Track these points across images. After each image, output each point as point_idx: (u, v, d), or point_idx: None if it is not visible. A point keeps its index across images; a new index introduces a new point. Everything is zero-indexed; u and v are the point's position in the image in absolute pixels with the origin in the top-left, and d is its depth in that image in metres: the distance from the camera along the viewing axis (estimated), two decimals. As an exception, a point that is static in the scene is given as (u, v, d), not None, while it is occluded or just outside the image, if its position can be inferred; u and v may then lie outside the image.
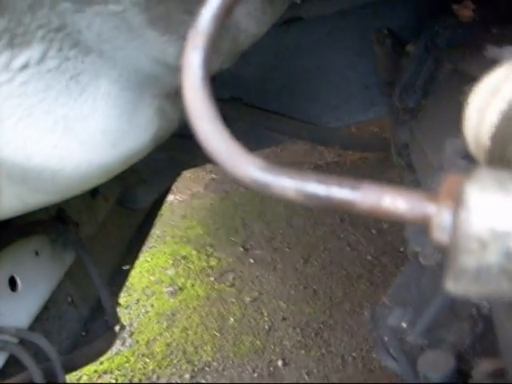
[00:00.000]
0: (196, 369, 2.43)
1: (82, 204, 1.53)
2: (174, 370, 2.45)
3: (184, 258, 3.11)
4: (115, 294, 1.80)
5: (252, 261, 2.95)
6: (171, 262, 3.11)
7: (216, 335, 2.57)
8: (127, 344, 2.63)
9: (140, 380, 2.44)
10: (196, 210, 3.47)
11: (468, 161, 0.60)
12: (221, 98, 1.79)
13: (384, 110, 1.84)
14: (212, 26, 0.38)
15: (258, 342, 2.48)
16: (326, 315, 2.52)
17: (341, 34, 1.77)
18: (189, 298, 2.82)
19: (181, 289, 2.89)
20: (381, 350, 1.08)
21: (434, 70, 1.44)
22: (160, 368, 2.47)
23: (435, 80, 1.43)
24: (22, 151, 0.60)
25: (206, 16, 0.38)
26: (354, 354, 2.32)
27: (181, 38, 0.62)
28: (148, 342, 2.62)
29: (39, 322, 1.30)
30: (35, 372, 1.05)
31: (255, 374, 2.34)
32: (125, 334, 2.67)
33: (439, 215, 0.29)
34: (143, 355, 2.55)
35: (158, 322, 2.72)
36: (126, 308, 2.84)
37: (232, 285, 2.83)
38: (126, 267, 1.89)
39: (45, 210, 1.34)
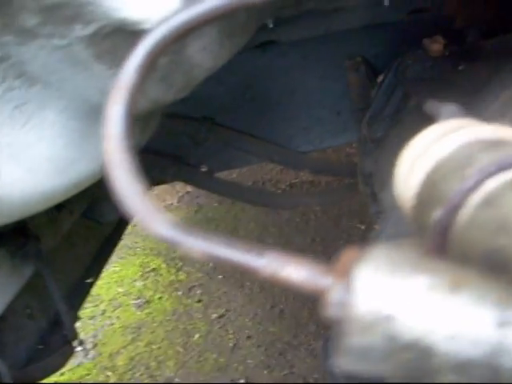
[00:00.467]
0: (158, 384, 2.42)
1: (45, 217, 1.52)
2: (135, 384, 2.43)
3: (153, 270, 3.10)
4: (76, 307, 1.79)
5: (221, 277, 2.94)
6: (140, 273, 3.09)
7: (180, 351, 2.56)
8: (90, 356, 2.60)
9: (100, 394, 2.42)
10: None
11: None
12: (193, 117, 1.79)
13: (355, 136, 1.86)
14: (134, 79, 0.38)
15: (222, 360, 2.47)
16: (291, 335, 2.52)
17: (315, 58, 1.79)
18: (155, 312, 2.80)
19: (148, 302, 2.88)
20: (332, 381, 1.08)
21: (401, 102, 1.45)
22: (121, 382, 2.45)
23: (403, 112, 1.44)
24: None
25: (129, 69, 0.38)
26: (315, 376, 2.32)
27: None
28: (111, 355, 2.59)
29: (-4, 333, 1.29)
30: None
31: (216, 393, 2.33)
32: (88, 346, 2.65)
33: (331, 292, 0.30)
34: (105, 368, 2.53)
35: (123, 334, 2.69)
36: (91, 319, 2.81)
37: (199, 300, 2.82)
38: (89, 280, 1.88)
39: (5, 222, 1.33)
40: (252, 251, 0.32)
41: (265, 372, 2.38)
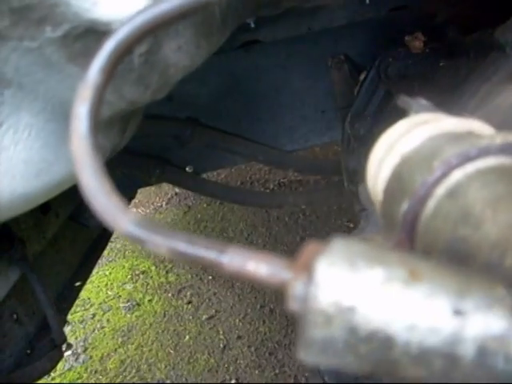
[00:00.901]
0: (149, 387, 2.41)
1: (30, 220, 1.52)
2: (126, 387, 2.43)
3: (143, 272, 3.09)
4: (64, 311, 1.78)
5: (210, 278, 2.94)
6: (130, 276, 3.08)
7: (171, 352, 2.55)
8: (80, 360, 2.59)
9: (91, 397, 2.42)
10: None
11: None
12: (177, 118, 1.79)
13: (340, 135, 1.86)
14: (100, 78, 0.38)
15: (213, 361, 2.47)
16: (281, 335, 2.52)
17: (299, 57, 1.79)
18: (145, 314, 2.80)
19: (138, 304, 2.87)
20: (316, 378, 1.08)
21: (384, 100, 1.46)
22: (112, 385, 2.44)
23: (385, 109, 1.45)
24: None
25: (94, 69, 0.38)
26: (306, 375, 2.32)
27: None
28: (102, 358, 2.59)
29: (-18, 339, 1.28)
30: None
31: (208, 394, 2.33)
32: (78, 350, 2.64)
33: (293, 285, 0.30)
34: (96, 371, 2.52)
35: (113, 337, 2.69)
36: (81, 323, 2.80)
37: (189, 302, 2.82)
38: (77, 283, 1.88)
39: (-12, 227, 1.33)
40: (215, 247, 0.33)
41: (256, 372, 2.38)
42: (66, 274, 1.83)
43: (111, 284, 3.05)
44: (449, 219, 0.35)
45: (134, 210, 3.58)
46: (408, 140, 0.45)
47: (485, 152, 0.38)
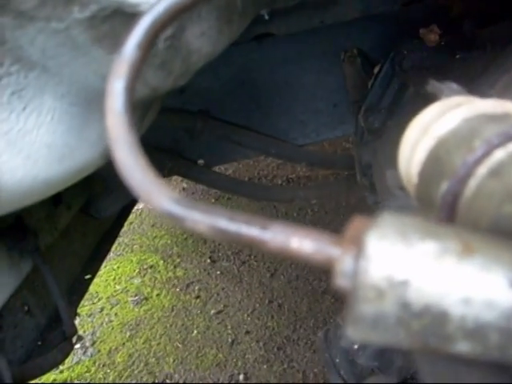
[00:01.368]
0: (157, 380, 2.41)
1: (42, 212, 1.52)
2: (134, 380, 2.42)
3: (151, 267, 3.09)
4: (75, 303, 1.78)
5: (219, 272, 2.93)
6: (138, 270, 3.08)
7: (179, 347, 2.55)
8: (88, 353, 2.59)
9: (99, 391, 2.42)
10: (165, 218, 3.44)
11: (405, 192, 0.61)
12: (189, 111, 1.79)
13: (352, 129, 1.85)
14: (136, 54, 0.38)
15: (221, 355, 2.47)
16: (290, 330, 2.51)
17: (311, 51, 1.78)
18: (154, 308, 2.80)
19: (146, 299, 2.87)
20: (332, 372, 1.08)
21: (399, 92, 1.45)
22: (120, 379, 2.44)
23: (400, 102, 1.44)
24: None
25: (131, 44, 0.38)
26: (315, 370, 2.32)
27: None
28: (110, 352, 2.59)
29: (-7, 330, 1.28)
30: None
31: (216, 388, 2.33)
32: (87, 343, 2.64)
33: (341, 261, 0.29)
34: (104, 365, 2.52)
35: (121, 331, 2.69)
36: (90, 316, 2.80)
37: (197, 296, 2.81)
38: (88, 276, 1.87)
39: (2, 218, 1.33)
40: (257, 223, 0.32)
41: (264, 367, 2.38)
42: (76, 267, 1.83)
43: (119, 278, 3.05)
44: (493, 198, 0.35)
45: (142, 204, 3.58)
46: (443, 122, 0.44)
47: (526, 132, 0.38)
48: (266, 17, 1.51)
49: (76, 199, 1.72)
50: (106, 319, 2.78)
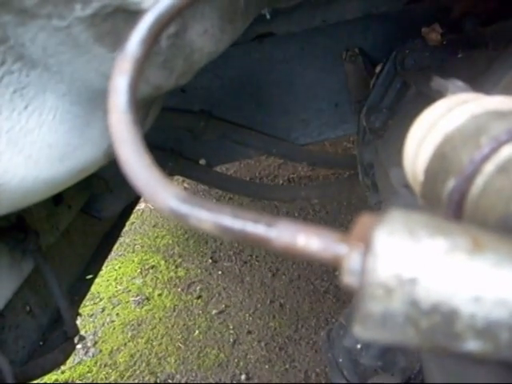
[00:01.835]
0: (159, 380, 2.41)
1: (44, 212, 1.51)
2: (136, 381, 2.42)
3: (152, 267, 3.09)
4: (76, 303, 1.78)
5: (220, 272, 2.93)
6: (139, 270, 3.08)
7: (180, 347, 2.55)
8: (90, 353, 2.59)
9: (101, 391, 2.41)
10: (167, 219, 3.45)
11: (410, 190, 0.60)
12: (190, 110, 1.78)
13: (354, 128, 1.85)
14: (140, 50, 0.37)
15: (223, 355, 2.47)
16: (292, 330, 2.51)
17: (313, 50, 1.78)
18: (155, 309, 2.79)
19: (147, 299, 2.87)
20: (334, 371, 1.07)
21: (400, 91, 1.45)
22: (122, 379, 2.44)
23: (402, 101, 1.44)
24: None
25: (134, 41, 0.37)
26: (317, 370, 2.31)
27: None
28: (111, 352, 2.58)
29: (-5, 330, 1.28)
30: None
31: (218, 388, 2.33)
32: (88, 344, 2.64)
33: (349, 258, 0.29)
34: (106, 365, 2.52)
35: (123, 331, 2.69)
36: (91, 317, 2.80)
37: (199, 296, 2.81)
38: (89, 276, 1.87)
39: (4, 217, 1.33)
40: (263, 221, 0.32)
41: (266, 367, 2.37)
42: (77, 267, 1.82)
43: (121, 278, 3.04)
44: (501, 195, 0.34)
45: (143, 205, 3.58)
46: (450, 119, 0.44)
47: (534, 128, 0.37)
48: (268, 16, 1.51)
49: (77, 199, 1.72)
50: (108, 319, 2.77)
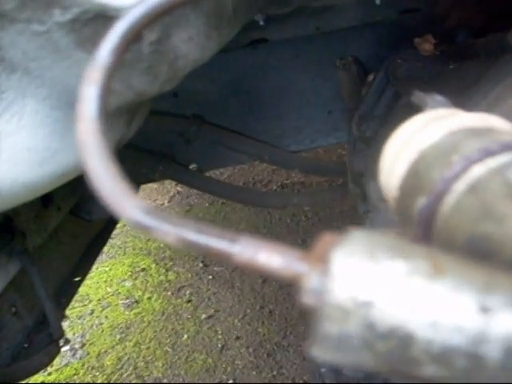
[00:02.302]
0: (145, 385, 2.40)
1: (31, 213, 1.51)
2: (123, 384, 2.41)
3: (143, 270, 3.08)
4: (63, 305, 1.77)
5: (210, 277, 2.92)
6: (130, 273, 3.07)
7: (168, 351, 2.54)
8: (77, 356, 2.58)
9: (87, 394, 2.40)
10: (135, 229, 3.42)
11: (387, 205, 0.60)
12: (182, 115, 1.78)
13: (346, 136, 1.85)
14: (110, 59, 0.37)
15: (210, 361, 2.46)
16: (280, 336, 2.50)
17: (307, 58, 1.78)
18: (144, 312, 2.78)
19: (137, 302, 2.86)
20: (315, 381, 1.07)
21: (392, 101, 1.44)
22: (109, 382, 2.42)
23: (393, 111, 1.44)
24: None
25: (104, 50, 0.37)
26: (304, 378, 2.30)
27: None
28: (99, 355, 2.57)
29: (-21, 331, 1.28)
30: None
31: (204, 394, 2.32)
32: (76, 346, 2.63)
33: (308, 278, 0.28)
34: (93, 368, 2.50)
35: (111, 334, 2.67)
36: (80, 318, 2.79)
37: (189, 300, 2.80)
38: (77, 278, 1.86)
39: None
40: (226, 237, 0.31)
41: (253, 373, 2.36)
42: (65, 269, 1.82)
43: (111, 281, 3.03)
44: (469, 215, 0.34)
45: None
46: (426, 135, 0.43)
47: (506, 147, 0.37)
48: (261, 22, 1.51)
49: (66, 201, 1.71)
50: (96, 322, 2.76)
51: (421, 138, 0.43)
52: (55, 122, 0.66)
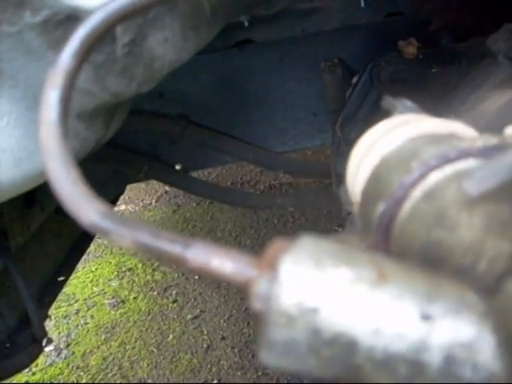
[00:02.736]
0: (130, 384, 2.39)
1: (14, 213, 1.50)
2: (107, 384, 2.41)
3: (129, 269, 3.08)
4: (47, 305, 1.76)
5: (197, 277, 2.92)
6: (116, 273, 3.06)
7: (154, 351, 2.53)
8: (62, 355, 2.57)
9: (71, 394, 2.39)
10: (146, 222, 3.43)
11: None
12: (168, 115, 1.78)
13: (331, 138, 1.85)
14: (72, 64, 0.37)
15: (196, 361, 2.46)
16: (266, 337, 2.50)
17: (292, 59, 1.78)
18: (130, 312, 2.78)
19: (123, 301, 2.85)
20: (295, 381, 1.07)
21: (375, 104, 1.45)
22: (94, 382, 2.42)
23: (376, 114, 1.44)
24: None
25: (66, 54, 0.37)
26: (289, 378, 2.31)
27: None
28: (84, 355, 2.57)
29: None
30: None
31: (189, 394, 2.32)
32: (61, 345, 2.62)
33: (257, 283, 0.29)
34: (78, 368, 2.50)
35: (97, 334, 2.67)
36: (65, 318, 2.78)
37: (174, 300, 2.80)
38: (61, 278, 1.86)
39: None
40: (180, 241, 0.31)
41: (238, 373, 2.37)
42: (49, 268, 1.81)
43: (97, 280, 3.03)
44: (424, 222, 0.34)
45: (124, 206, 3.57)
46: (388, 140, 0.44)
47: (465, 154, 0.37)
48: (246, 24, 1.51)
49: (50, 200, 1.70)
50: (82, 321, 2.75)
51: (383, 143, 0.44)
52: (30, 123, 0.66)
